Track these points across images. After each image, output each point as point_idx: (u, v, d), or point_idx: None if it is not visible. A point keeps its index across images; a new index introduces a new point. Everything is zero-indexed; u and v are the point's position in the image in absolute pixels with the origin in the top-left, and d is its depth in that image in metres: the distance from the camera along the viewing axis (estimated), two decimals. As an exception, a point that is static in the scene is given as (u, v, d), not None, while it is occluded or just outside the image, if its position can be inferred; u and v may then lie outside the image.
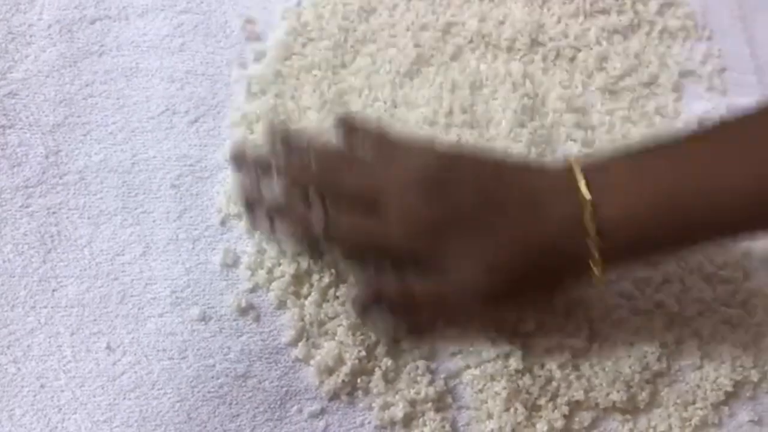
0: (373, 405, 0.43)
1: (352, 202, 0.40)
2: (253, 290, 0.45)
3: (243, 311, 0.44)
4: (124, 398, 0.42)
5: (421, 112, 0.50)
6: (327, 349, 0.43)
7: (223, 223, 0.46)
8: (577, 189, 0.38)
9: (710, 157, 0.39)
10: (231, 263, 0.45)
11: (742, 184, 0.38)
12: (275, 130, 0.44)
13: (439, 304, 0.41)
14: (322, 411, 0.43)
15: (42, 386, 0.42)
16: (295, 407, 0.43)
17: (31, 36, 0.49)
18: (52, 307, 0.43)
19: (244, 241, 0.46)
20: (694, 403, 0.45)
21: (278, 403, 0.43)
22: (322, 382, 0.43)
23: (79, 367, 0.42)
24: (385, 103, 0.50)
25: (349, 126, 0.44)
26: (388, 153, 0.42)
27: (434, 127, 0.49)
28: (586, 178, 0.39)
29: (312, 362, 0.44)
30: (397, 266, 0.40)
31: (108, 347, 0.43)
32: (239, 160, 0.45)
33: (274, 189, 0.42)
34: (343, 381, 0.43)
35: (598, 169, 0.39)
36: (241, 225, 0.46)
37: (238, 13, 0.53)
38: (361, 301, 0.42)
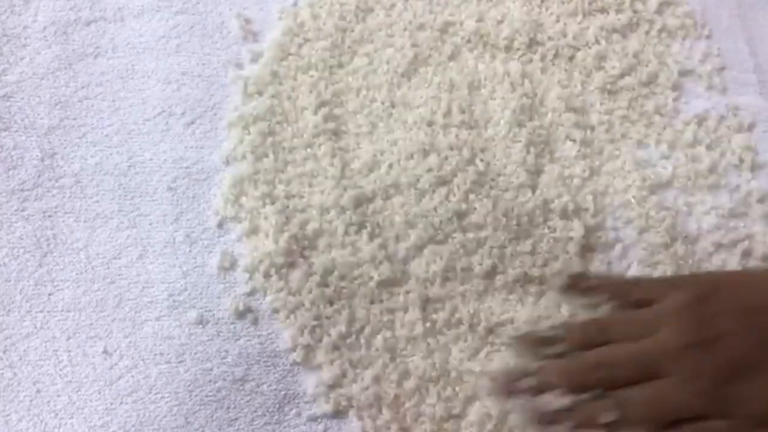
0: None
1: (630, 375, 0.39)
2: (250, 293, 0.45)
3: (240, 314, 0.44)
4: (121, 403, 0.42)
5: (418, 112, 0.50)
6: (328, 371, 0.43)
7: (220, 225, 0.46)
8: None
9: None
10: (228, 266, 0.45)
11: None
12: (524, 340, 0.42)
13: None
14: (321, 415, 0.43)
15: (38, 391, 0.42)
16: (294, 411, 0.43)
17: (26, 38, 0.49)
18: (48, 312, 0.43)
19: (242, 243, 0.46)
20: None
21: (276, 406, 0.43)
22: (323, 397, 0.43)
23: (76, 372, 0.42)
24: (382, 103, 0.50)
25: (579, 282, 0.43)
26: (639, 302, 0.41)
27: (432, 128, 0.49)
28: None
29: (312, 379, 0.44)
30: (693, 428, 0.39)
31: (105, 351, 0.43)
32: (510, 388, 0.40)
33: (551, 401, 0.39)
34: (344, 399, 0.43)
35: None
36: (238, 227, 0.46)
37: (235, 14, 0.52)
38: None
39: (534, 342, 0.41)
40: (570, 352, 0.40)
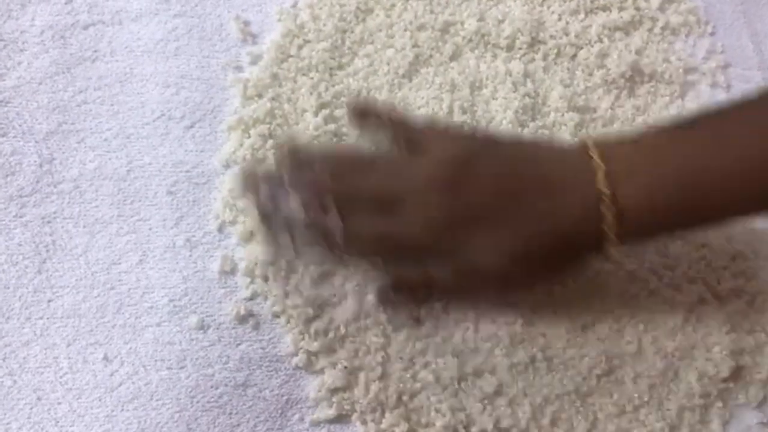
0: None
1: (369, 204, 0.40)
2: (251, 298, 0.44)
3: (242, 319, 0.44)
4: (122, 409, 0.41)
5: (420, 113, 0.49)
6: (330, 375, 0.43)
7: (220, 229, 0.46)
8: (595, 179, 0.39)
9: (722, 137, 0.40)
10: (229, 270, 0.45)
11: (754, 164, 0.39)
12: (283, 144, 0.42)
13: (456, 290, 0.44)
14: (324, 419, 0.43)
15: (39, 399, 0.41)
16: (297, 416, 0.43)
17: (23, 42, 0.49)
18: (47, 318, 0.43)
19: (242, 247, 0.45)
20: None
21: (279, 411, 0.43)
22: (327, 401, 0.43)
23: (76, 379, 0.42)
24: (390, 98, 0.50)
25: (361, 111, 0.44)
26: (406, 144, 0.41)
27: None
28: (603, 163, 0.39)
29: (315, 383, 0.43)
30: (417, 262, 0.41)
31: (105, 358, 0.42)
32: (250, 179, 0.42)
33: (288, 203, 0.40)
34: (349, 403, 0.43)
35: (613, 155, 0.39)
36: (238, 231, 0.45)
37: (233, 16, 0.52)
38: (384, 291, 0.43)
39: (292, 159, 0.41)
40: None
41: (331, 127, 0.48)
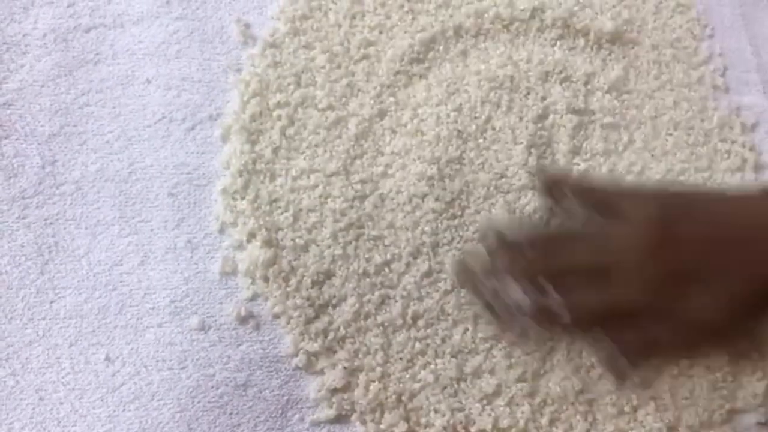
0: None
1: (583, 278, 0.40)
2: (252, 298, 0.45)
3: (243, 320, 0.44)
4: (124, 410, 0.42)
5: (420, 112, 0.49)
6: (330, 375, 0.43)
7: (221, 231, 0.46)
8: None
9: None
10: (230, 271, 0.45)
11: None
12: (487, 236, 0.43)
13: (675, 348, 0.43)
14: (324, 419, 0.43)
15: (41, 399, 0.42)
16: (297, 416, 0.43)
17: (26, 45, 0.49)
18: (50, 319, 0.43)
19: (243, 248, 0.45)
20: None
21: (279, 411, 0.43)
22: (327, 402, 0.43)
23: (78, 379, 0.42)
24: (382, 103, 0.50)
25: (553, 182, 0.44)
26: (606, 211, 0.42)
27: (435, 129, 0.49)
28: None
29: (315, 383, 0.44)
30: (637, 325, 0.41)
31: (107, 358, 0.43)
32: (468, 275, 0.43)
33: (510, 293, 0.41)
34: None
35: None
36: (237, 233, 0.46)
37: (234, 19, 0.52)
38: (612, 359, 0.41)
39: (502, 245, 0.42)
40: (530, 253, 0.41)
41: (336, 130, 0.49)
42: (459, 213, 0.47)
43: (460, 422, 0.43)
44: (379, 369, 0.43)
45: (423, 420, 0.43)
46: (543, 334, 0.45)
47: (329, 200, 0.46)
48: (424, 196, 0.47)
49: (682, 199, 0.43)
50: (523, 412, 0.44)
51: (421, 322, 0.45)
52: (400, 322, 0.44)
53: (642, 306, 0.40)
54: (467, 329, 0.45)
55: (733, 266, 0.40)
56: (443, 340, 0.45)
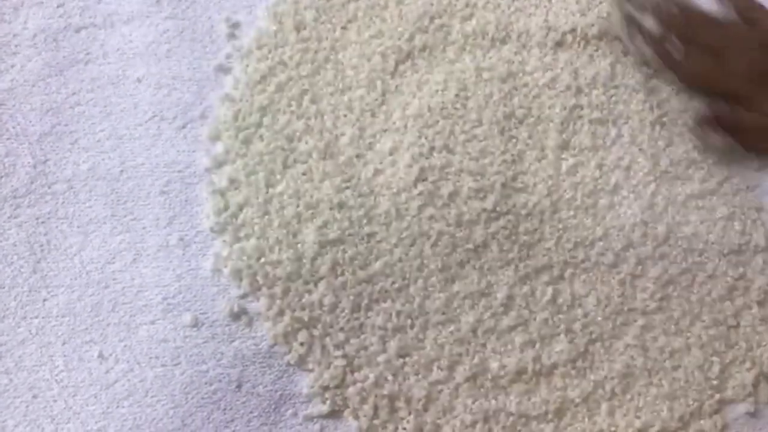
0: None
1: (705, 50, 0.51)
2: (244, 295, 0.45)
3: (235, 316, 0.44)
4: (118, 406, 0.42)
5: (409, 110, 0.50)
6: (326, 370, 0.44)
7: (212, 228, 0.46)
8: None
9: None
10: (222, 268, 0.45)
11: None
12: None
13: (756, 136, 0.51)
14: (318, 414, 0.43)
15: (34, 396, 0.42)
16: (290, 411, 0.43)
17: (16, 46, 0.49)
18: (43, 317, 0.43)
19: (231, 250, 0.46)
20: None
21: (273, 407, 0.43)
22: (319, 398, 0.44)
23: (72, 377, 0.42)
24: (375, 101, 0.50)
25: None
26: (745, 16, 0.52)
27: (427, 128, 0.49)
28: None
29: (308, 379, 0.44)
30: (732, 103, 0.51)
31: (100, 356, 0.43)
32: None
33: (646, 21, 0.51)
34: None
35: None
36: (227, 231, 0.46)
37: (224, 18, 0.52)
38: (704, 119, 0.51)
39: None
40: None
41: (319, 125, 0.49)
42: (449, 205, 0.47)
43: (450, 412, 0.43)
44: (371, 365, 0.44)
45: (416, 415, 0.43)
46: (657, 63, 0.52)
47: (320, 204, 0.47)
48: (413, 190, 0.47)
49: None
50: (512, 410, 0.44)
51: (415, 320, 0.45)
52: (394, 320, 0.45)
53: (737, 91, 0.50)
54: (458, 329, 0.45)
55: None
56: (435, 338, 0.45)
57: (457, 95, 0.50)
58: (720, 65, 0.51)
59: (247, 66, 0.50)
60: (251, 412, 0.43)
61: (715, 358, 0.46)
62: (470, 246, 0.46)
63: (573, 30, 0.54)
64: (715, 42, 0.51)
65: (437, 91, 0.50)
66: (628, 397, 0.45)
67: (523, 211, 0.48)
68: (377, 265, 0.45)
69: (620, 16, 0.53)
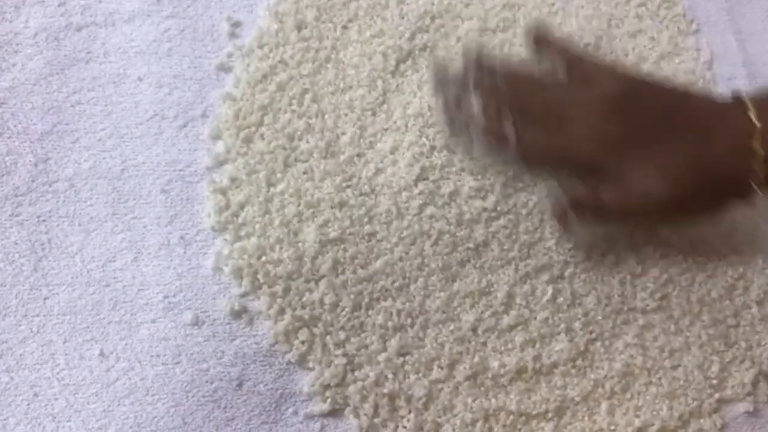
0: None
1: (541, 119, 0.44)
2: (245, 294, 0.45)
3: (236, 315, 0.44)
4: (119, 405, 0.42)
5: (411, 110, 0.50)
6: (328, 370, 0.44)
7: (214, 227, 0.46)
8: (747, 117, 0.42)
9: None
10: (222, 267, 0.45)
11: None
12: (470, 52, 0.47)
13: (620, 212, 0.44)
14: (318, 413, 0.43)
15: (35, 395, 0.42)
16: (291, 409, 0.43)
17: (17, 44, 0.49)
18: (44, 315, 0.43)
19: (233, 247, 0.46)
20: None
21: (273, 405, 0.43)
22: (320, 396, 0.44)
23: (73, 375, 0.42)
24: (376, 100, 0.50)
25: (539, 39, 0.48)
26: (577, 74, 0.45)
27: (426, 128, 0.49)
28: (755, 107, 0.42)
29: (308, 377, 0.44)
30: (583, 178, 0.44)
31: (101, 354, 0.43)
32: (441, 80, 0.48)
33: (470, 107, 0.45)
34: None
35: (765, 100, 0.43)
36: (227, 229, 0.46)
37: (225, 17, 0.52)
38: (560, 208, 0.45)
39: (478, 64, 0.46)
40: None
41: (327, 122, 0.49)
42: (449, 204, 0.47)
43: (449, 410, 0.44)
44: (372, 363, 0.44)
45: (415, 414, 0.44)
46: (488, 152, 0.48)
47: (321, 203, 0.47)
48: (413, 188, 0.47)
49: (652, 82, 0.45)
50: (512, 408, 0.44)
51: (416, 319, 0.45)
52: (395, 319, 0.45)
53: (589, 160, 0.43)
54: (459, 327, 0.45)
55: (684, 141, 0.42)
56: (436, 337, 0.45)
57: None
58: (561, 133, 0.44)
59: (248, 65, 0.51)
60: (252, 411, 0.43)
61: (714, 358, 0.46)
62: (471, 245, 0.47)
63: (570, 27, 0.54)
64: (550, 108, 0.44)
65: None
66: (628, 395, 0.45)
67: (524, 211, 0.48)
68: (378, 264, 0.45)
69: (441, 104, 0.48)
